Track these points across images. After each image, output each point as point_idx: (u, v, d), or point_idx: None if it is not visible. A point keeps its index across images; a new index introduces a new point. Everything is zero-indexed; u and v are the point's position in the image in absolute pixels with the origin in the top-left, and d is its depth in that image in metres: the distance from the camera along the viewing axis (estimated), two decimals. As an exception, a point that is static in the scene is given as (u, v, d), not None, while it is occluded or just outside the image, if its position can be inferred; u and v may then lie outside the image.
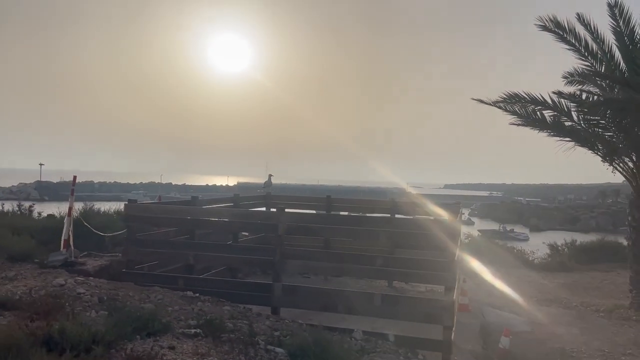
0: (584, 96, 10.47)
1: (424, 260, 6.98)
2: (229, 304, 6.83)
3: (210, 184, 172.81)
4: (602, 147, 11.43)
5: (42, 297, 5.52)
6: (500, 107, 12.78)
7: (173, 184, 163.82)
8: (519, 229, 76.41)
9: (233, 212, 7.87)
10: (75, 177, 8.66)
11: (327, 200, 12.72)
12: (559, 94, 10.14)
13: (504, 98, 12.66)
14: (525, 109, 12.55)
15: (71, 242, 8.13)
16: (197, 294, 6.98)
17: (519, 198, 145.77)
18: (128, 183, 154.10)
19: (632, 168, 11.29)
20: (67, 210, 8.43)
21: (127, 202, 7.93)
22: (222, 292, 7.36)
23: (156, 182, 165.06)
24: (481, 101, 12.40)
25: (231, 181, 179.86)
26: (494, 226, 75.49)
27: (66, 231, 8.06)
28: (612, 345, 9.03)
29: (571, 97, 10.28)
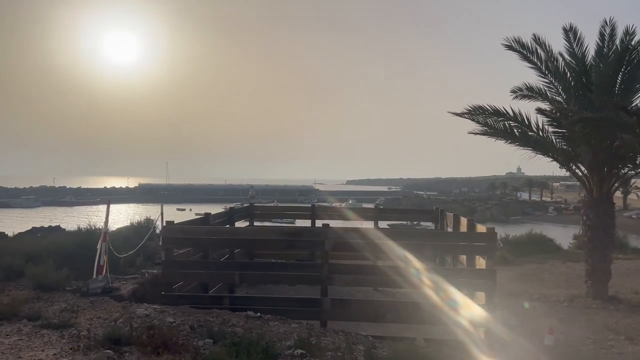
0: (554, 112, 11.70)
1: (463, 269, 7.66)
2: (292, 321, 7.10)
3: (108, 186, 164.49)
4: (560, 156, 12.85)
5: (150, 330, 5.50)
6: (468, 118, 13.88)
7: (67, 187, 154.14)
8: (424, 222, 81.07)
9: (282, 231, 8.06)
10: (109, 202, 8.40)
11: (312, 209, 13.11)
12: (540, 110, 11.33)
13: (470, 110, 13.79)
14: (489, 120, 13.74)
15: (106, 268, 7.93)
16: (258, 313, 7.18)
17: (419, 192, 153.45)
18: (16, 188, 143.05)
19: (586, 174, 12.79)
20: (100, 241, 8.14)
21: (164, 225, 7.88)
22: (272, 308, 7.59)
23: (48, 185, 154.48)
24: (455, 113, 13.39)
25: (132, 182, 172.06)
26: (400, 220, 79.49)
27: (102, 257, 7.84)
28: (592, 332, 10.29)
29: (550, 113, 11.49)
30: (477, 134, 14.42)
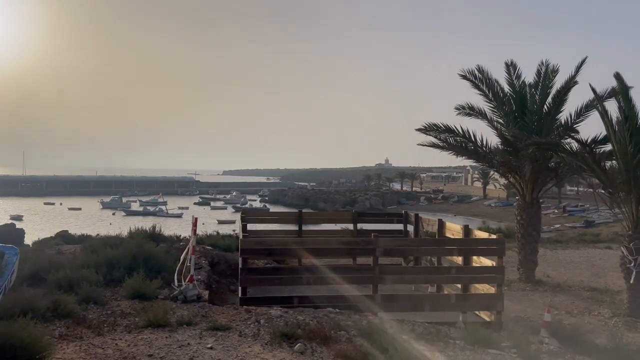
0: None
1: (480, 267, 9.94)
2: (367, 314, 8.84)
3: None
4: (502, 168, 15.80)
5: (298, 327, 6.96)
6: (424, 133, 16.34)
7: None
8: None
9: (342, 241, 9.63)
10: (196, 219, 9.37)
11: (299, 214, 14.71)
12: (501, 135, 14.02)
13: (425, 127, 16.27)
14: (441, 135, 16.30)
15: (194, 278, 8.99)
16: (337, 310, 8.81)
17: (302, 183, 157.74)
18: None
19: (520, 182, 15.84)
20: (189, 249, 9.13)
21: (241, 238, 9.15)
22: (334, 304, 9.24)
23: None
24: (416, 129, 15.75)
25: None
26: (287, 210, 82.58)
27: (192, 267, 8.90)
28: (540, 310, 13.14)
29: (509, 137, 14.21)
30: (426, 145, 16.96)
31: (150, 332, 6.63)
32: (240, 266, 9.12)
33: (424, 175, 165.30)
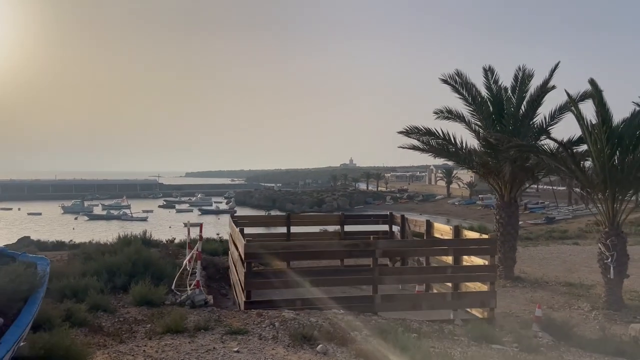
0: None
1: (474, 266, 10.34)
2: (372, 314, 9.11)
3: None
4: (481, 169, 16.34)
5: (313, 328, 7.17)
6: (405, 136, 16.74)
7: None
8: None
9: (343, 243, 9.84)
10: (201, 225, 9.41)
11: (287, 217, 14.91)
12: (484, 138, 14.50)
13: (407, 129, 16.68)
14: (423, 138, 16.74)
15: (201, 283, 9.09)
16: (341, 311, 9.04)
17: (269, 184, 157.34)
18: None
19: (499, 182, 16.41)
20: (192, 255, 9.22)
21: (245, 243, 9.29)
22: (336, 305, 9.48)
23: None
24: (398, 132, 16.14)
25: None
26: (255, 212, 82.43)
27: (199, 273, 9.00)
28: (524, 305, 13.70)
29: (492, 140, 14.71)
30: (407, 148, 17.37)
31: (171, 338, 6.73)
32: (244, 270, 9.24)
33: (389, 175, 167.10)
